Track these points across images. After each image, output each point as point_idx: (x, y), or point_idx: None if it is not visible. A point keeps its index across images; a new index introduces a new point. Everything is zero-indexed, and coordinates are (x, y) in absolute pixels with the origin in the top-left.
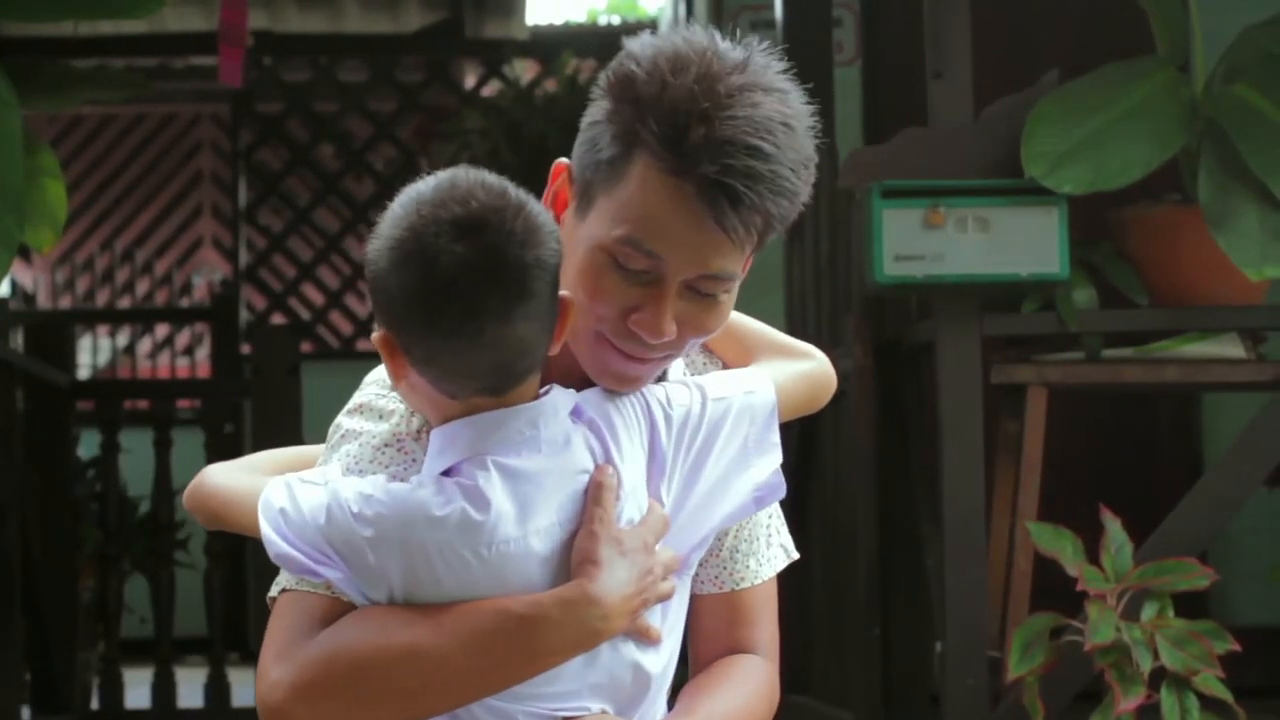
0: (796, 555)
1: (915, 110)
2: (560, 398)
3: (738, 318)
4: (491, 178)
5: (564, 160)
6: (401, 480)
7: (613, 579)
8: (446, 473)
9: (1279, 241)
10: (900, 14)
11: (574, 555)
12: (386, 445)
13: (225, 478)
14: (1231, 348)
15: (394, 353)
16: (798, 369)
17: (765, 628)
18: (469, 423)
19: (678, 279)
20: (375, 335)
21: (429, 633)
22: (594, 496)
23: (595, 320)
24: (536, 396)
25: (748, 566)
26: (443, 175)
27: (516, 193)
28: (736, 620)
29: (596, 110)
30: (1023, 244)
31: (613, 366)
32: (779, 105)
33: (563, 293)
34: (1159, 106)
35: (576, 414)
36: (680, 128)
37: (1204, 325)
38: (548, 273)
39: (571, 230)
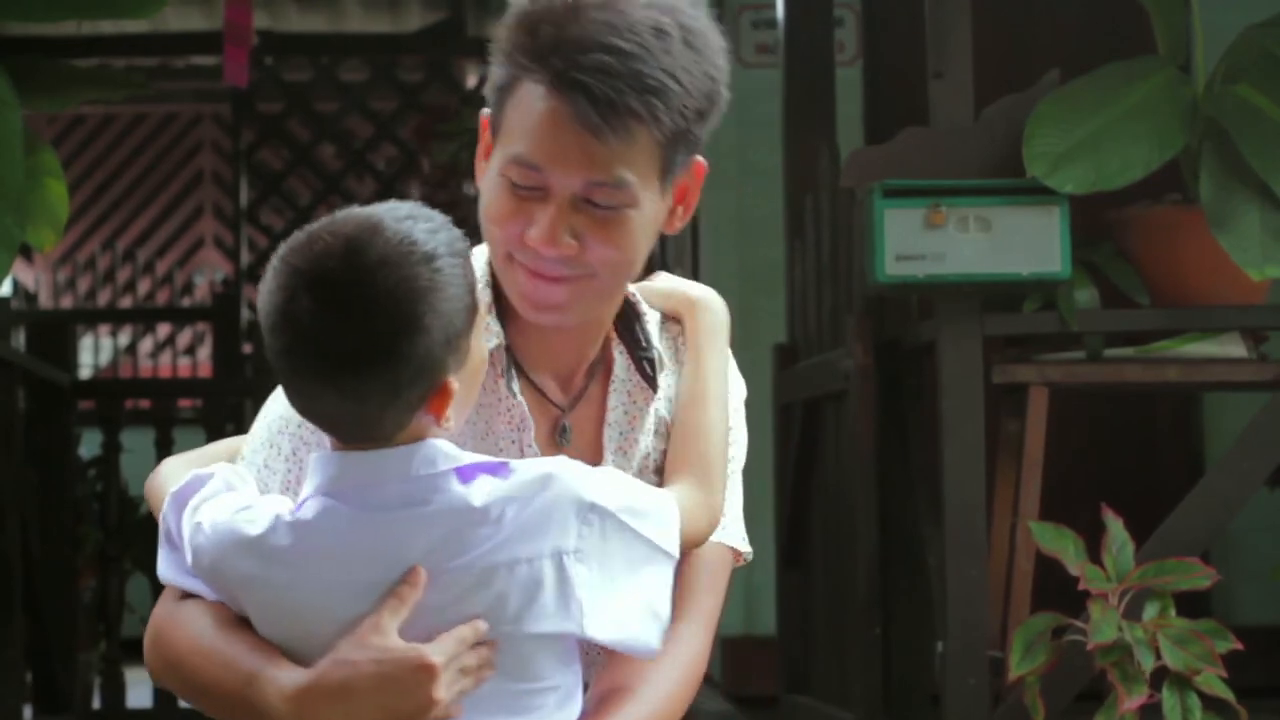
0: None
1: (916, 110)
2: (438, 451)
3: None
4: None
5: (485, 111)
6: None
7: (330, 681)
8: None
9: None
10: (901, 14)
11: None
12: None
13: (173, 470)
14: (1233, 347)
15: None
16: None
17: (700, 597)
18: (335, 457)
19: (565, 190)
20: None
21: (201, 658)
22: (396, 590)
23: (504, 245)
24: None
25: None
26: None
27: (420, 248)
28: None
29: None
30: (1024, 244)
31: (524, 288)
32: (655, 15)
33: (449, 378)
34: (1160, 106)
35: (462, 474)
36: (532, 32)
37: (1205, 325)
38: (415, 344)
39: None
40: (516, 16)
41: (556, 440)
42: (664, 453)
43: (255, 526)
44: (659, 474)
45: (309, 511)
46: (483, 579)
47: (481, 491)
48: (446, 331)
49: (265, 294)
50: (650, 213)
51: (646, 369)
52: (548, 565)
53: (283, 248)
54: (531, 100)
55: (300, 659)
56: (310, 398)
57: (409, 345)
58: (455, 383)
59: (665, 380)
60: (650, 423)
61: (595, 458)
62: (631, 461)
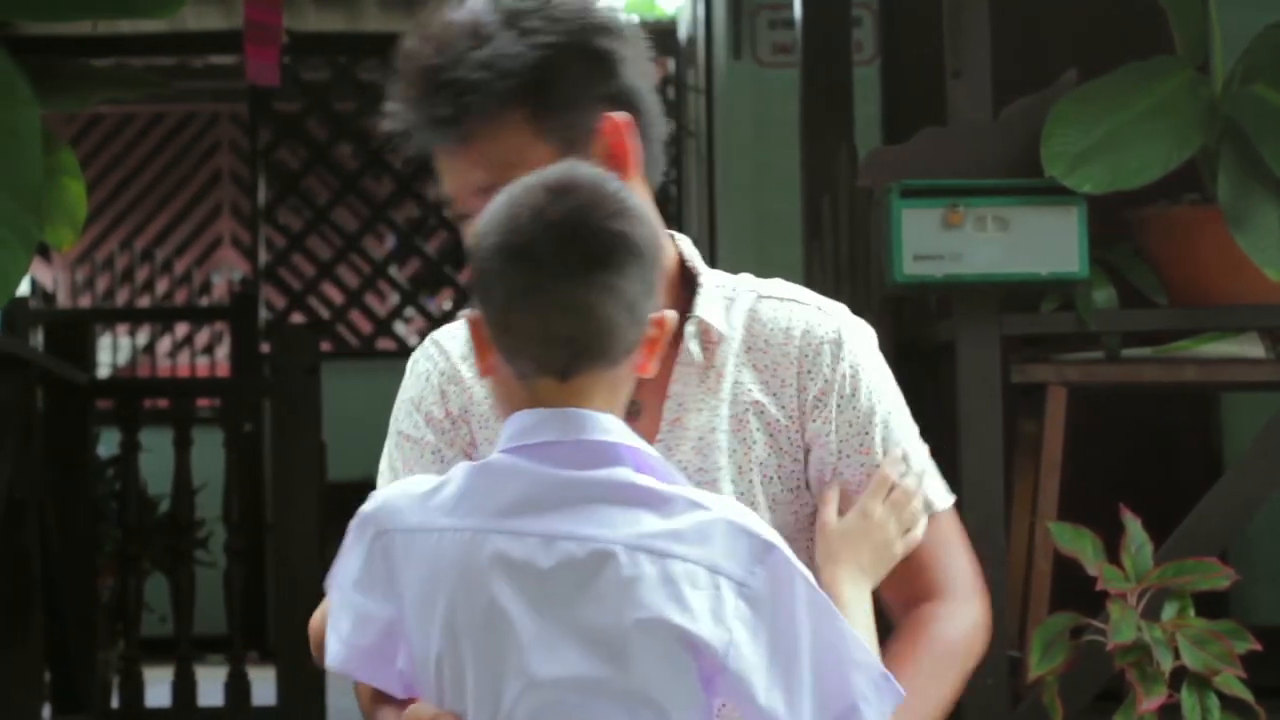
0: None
1: (934, 110)
2: (620, 425)
3: None
4: (601, 172)
5: None
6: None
7: None
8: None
9: None
10: (919, 13)
11: None
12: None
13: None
14: (1251, 347)
15: (480, 336)
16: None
17: (947, 563)
18: (529, 413)
19: (476, 204)
20: (468, 316)
21: None
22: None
23: None
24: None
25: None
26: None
27: (619, 183)
28: (911, 569)
29: None
30: (1042, 243)
31: None
32: (474, 16)
33: (666, 312)
34: (1178, 106)
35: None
36: (402, 100)
37: (1223, 325)
38: (633, 253)
39: None
40: (391, 91)
41: (627, 414)
42: (779, 466)
43: (426, 484)
44: (774, 483)
45: (484, 464)
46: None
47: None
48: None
49: (498, 226)
50: None
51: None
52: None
53: (508, 193)
54: (427, 151)
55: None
56: (547, 308)
57: (655, 246)
58: (667, 324)
59: (730, 360)
60: (735, 416)
61: (653, 429)
62: (688, 435)
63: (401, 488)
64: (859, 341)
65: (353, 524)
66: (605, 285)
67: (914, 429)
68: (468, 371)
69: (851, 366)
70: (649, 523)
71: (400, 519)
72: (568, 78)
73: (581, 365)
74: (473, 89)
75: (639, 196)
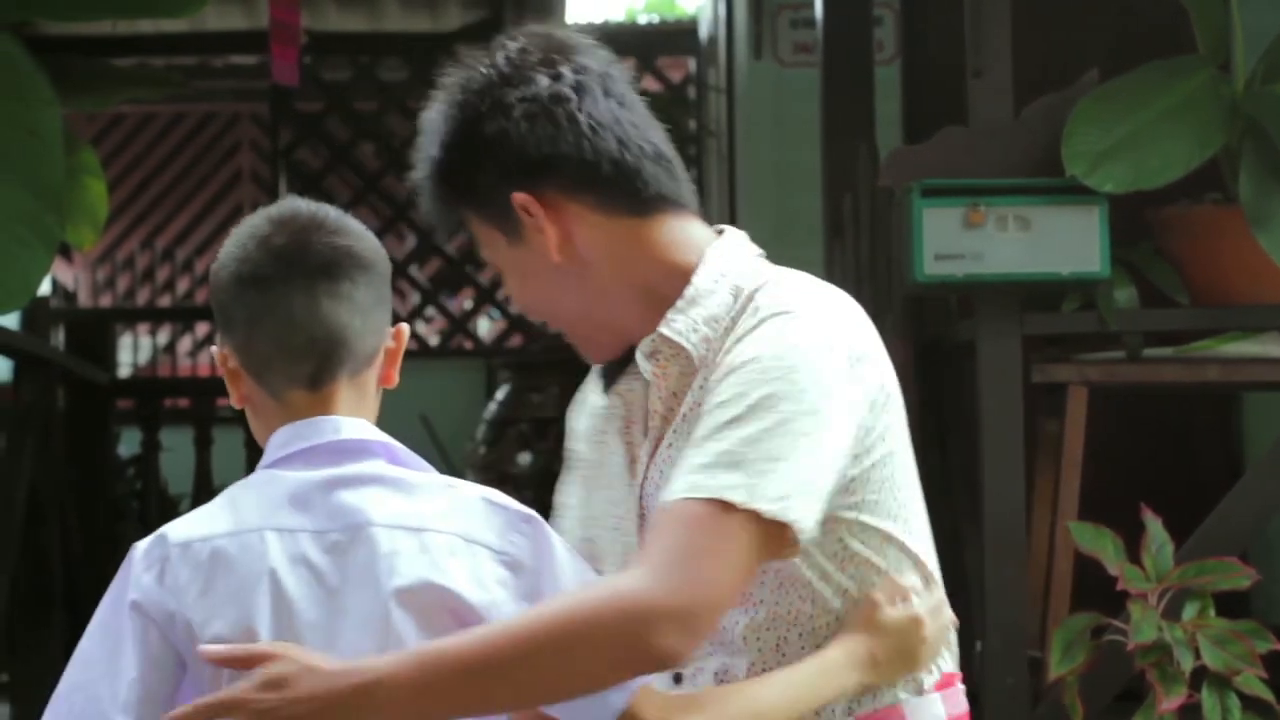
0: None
1: (955, 109)
2: (369, 426)
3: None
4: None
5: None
6: None
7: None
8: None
9: None
10: (940, 12)
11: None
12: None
13: None
14: (1272, 347)
15: (228, 368)
16: None
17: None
18: (284, 429)
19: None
20: (216, 355)
21: None
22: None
23: None
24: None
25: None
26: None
27: (338, 210)
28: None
29: None
30: (1063, 243)
31: None
32: (438, 112)
33: (402, 325)
34: (1199, 105)
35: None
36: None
37: (1245, 324)
38: (359, 265)
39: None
40: None
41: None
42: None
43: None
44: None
45: (244, 481)
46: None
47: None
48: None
49: (232, 259)
50: (513, 258)
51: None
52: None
53: (235, 232)
54: None
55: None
56: (286, 323)
57: (381, 260)
58: (403, 335)
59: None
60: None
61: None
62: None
63: (179, 521)
64: (779, 325)
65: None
66: (334, 294)
67: (796, 443)
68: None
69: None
70: (405, 504)
71: (178, 535)
72: (467, 177)
73: (326, 374)
74: (427, 192)
75: (622, 240)
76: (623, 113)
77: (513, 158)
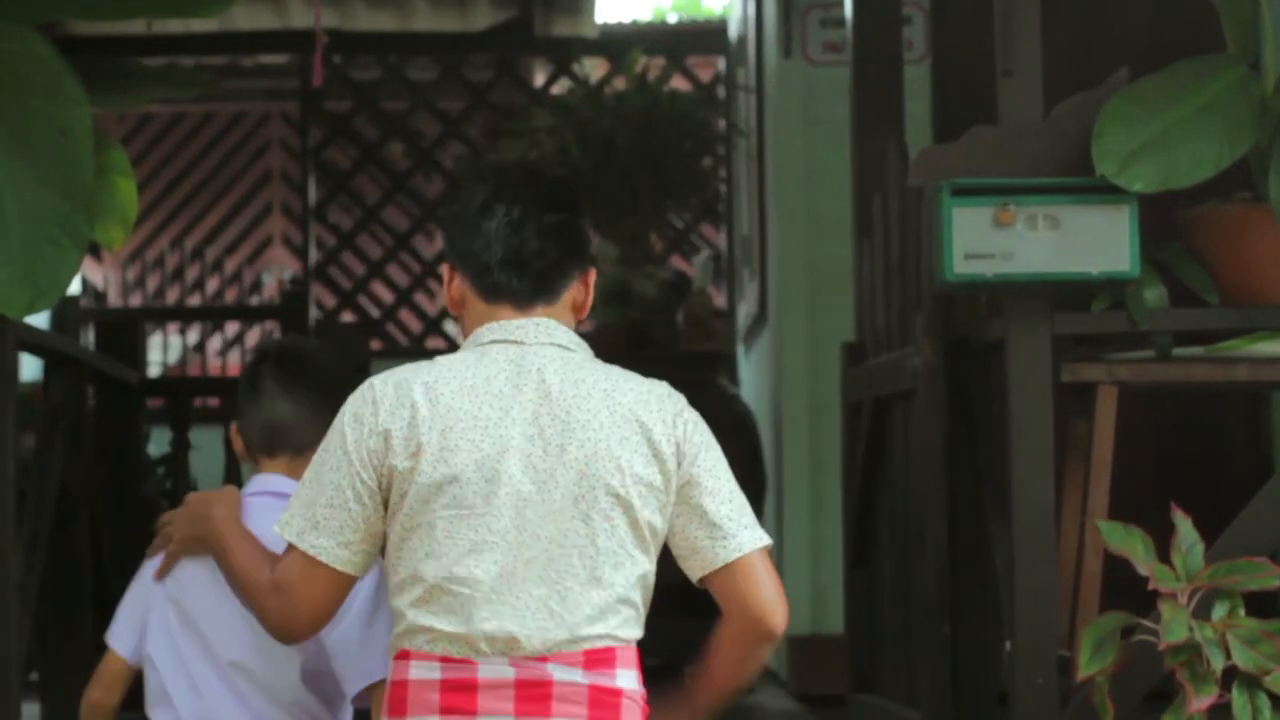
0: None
1: (985, 108)
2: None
3: None
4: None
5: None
6: None
7: None
8: None
9: None
10: (970, 12)
11: None
12: None
13: None
14: None
15: (236, 439)
16: None
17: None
18: (258, 477)
19: None
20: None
21: None
22: None
23: None
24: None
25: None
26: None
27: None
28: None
29: None
30: (1093, 242)
31: None
32: None
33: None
34: (1229, 104)
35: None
36: None
37: (1275, 324)
38: (315, 379)
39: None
40: None
41: None
42: None
43: None
44: None
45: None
46: None
47: None
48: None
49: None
50: None
51: None
52: None
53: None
54: None
55: None
56: (264, 417)
57: (333, 373)
58: None
59: None
60: None
61: None
62: None
63: None
64: None
65: None
66: (298, 401)
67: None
68: None
69: None
70: None
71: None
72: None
73: (279, 449)
74: None
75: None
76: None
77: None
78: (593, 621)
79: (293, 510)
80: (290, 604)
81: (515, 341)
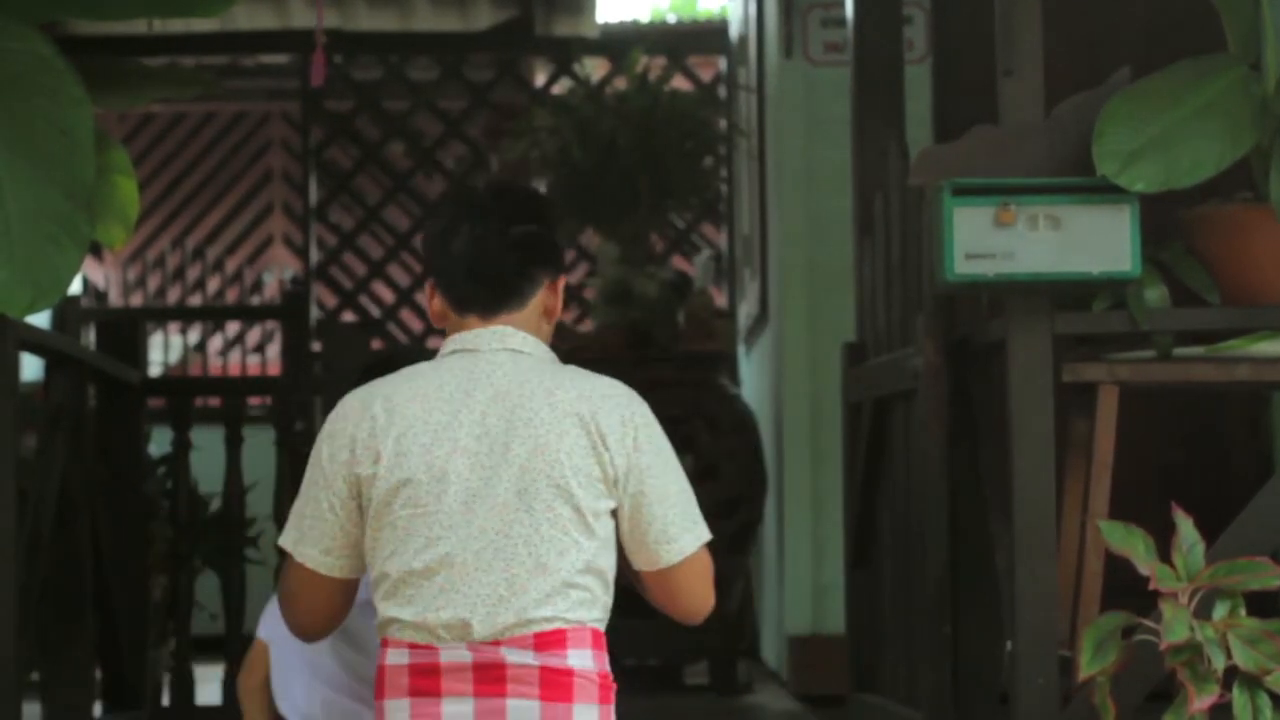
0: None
1: (986, 108)
2: None
3: None
4: None
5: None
6: None
7: None
8: None
9: None
10: (971, 11)
11: None
12: None
13: None
14: None
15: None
16: None
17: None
18: None
19: None
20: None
21: None
22: None
23: None
24: None
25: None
26: None
27: None
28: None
29: None
30: (1094, 242)
31: None
32: None
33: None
34: (1230, 104)
35: None
36: None
37: (1275, 324)
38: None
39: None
40: None
41: None
42: None
43: None
44: None
45: None
46: None
47: None
48: None
49: None
50: None
51: None
52: None
53: None
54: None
55: None
56: None
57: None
58: None
59: None
60: None
61: None
62: None
63: None
64: None
65: None
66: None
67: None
68: None
69: None
70: None
71: None
72: None
73: None
74: None
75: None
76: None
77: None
78: (540, 605)
79: (290, 521)
80: (298, 610)
81: (471, 350)
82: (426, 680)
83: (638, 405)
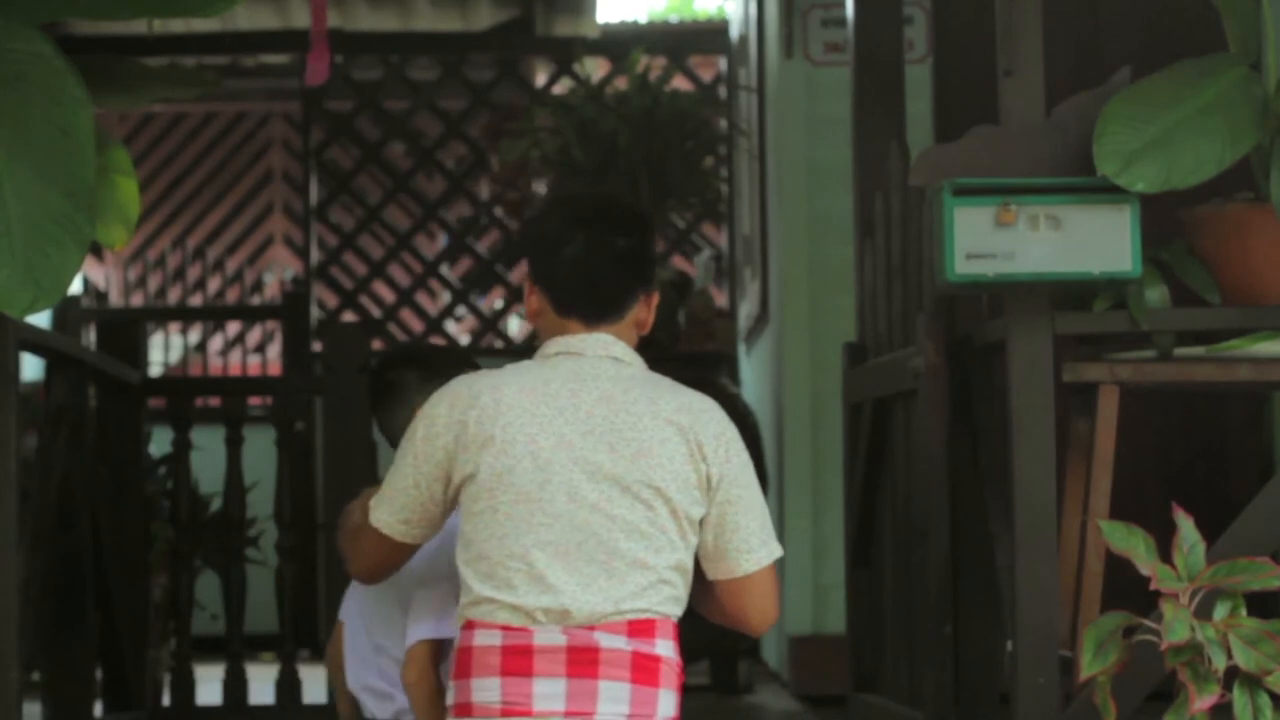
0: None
1: (986, 108)
2: None
3: None
4: None
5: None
6: None
7: None
8: None
9: None
10: (971, 11)
11: None
12: None
13: None
14: None
15: None
16: None
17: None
18: None
19: None
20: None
21: None
22: None
23: None
24: None
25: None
26: None
27: None
28: None
29: None
30: (1094, 242)
31: None
32: None
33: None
34: (1231, 104)
35: None
36: None
37: (1276, 324)
38: None
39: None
40: None
41: None
42: None
43: None
44: None
45: None
46: None
47: None
48: None
49: None
50: None
51: None
52: None
53: None
54: None
55: None
56: None
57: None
58: None
59: None
60: None
61: None
62: None
63: None
64: None
65: None
66: None
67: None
68: None
69: None
70: None
71: None
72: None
73: None
74: None
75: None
76: None
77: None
78: (635, 597)
79: (383, 489)
80: (365, 562)
81: (576, 354)
82: (520, 661)
83: (729, 422)
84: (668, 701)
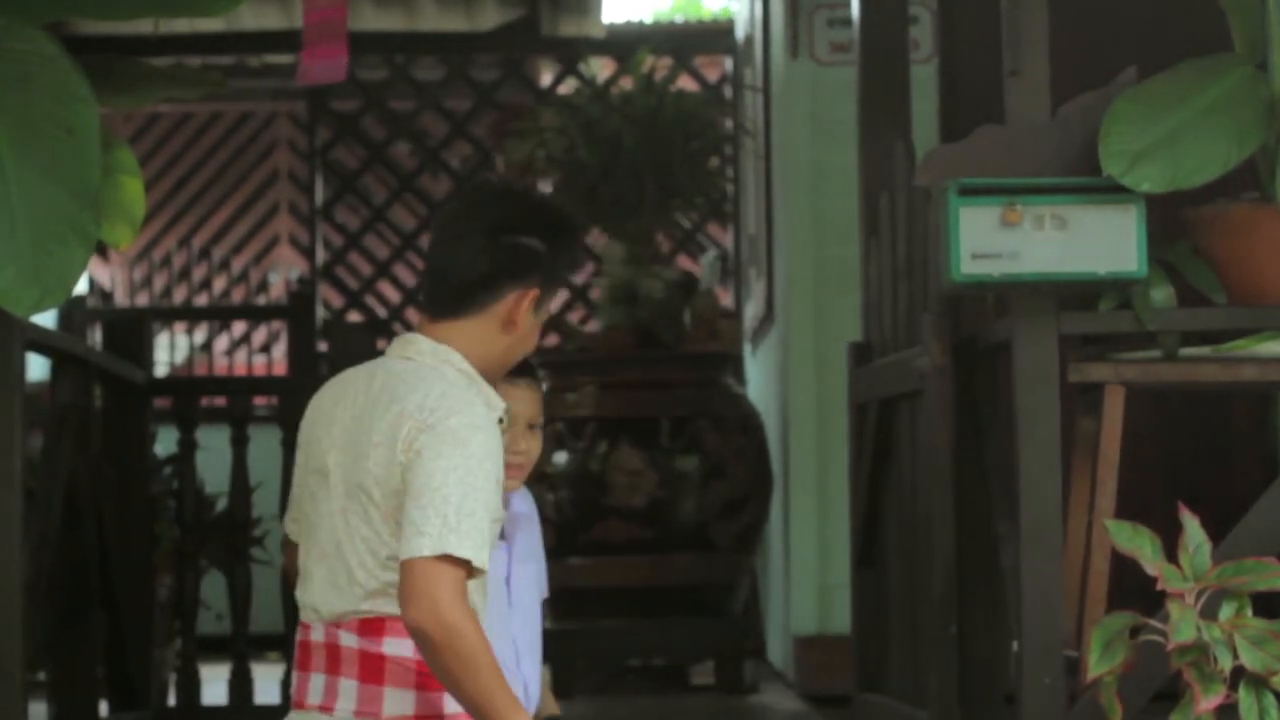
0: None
1: (992, 108)
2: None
3: None
4: None
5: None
6: None
7: None
8: None
9: None
10: (977, 11)
11: None
12: None
13: None
14: None
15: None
16: None
17: None
18: None
19: None
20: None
21: None
22: None
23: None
24: None
25: None
26: None
27: None
28: None
29: None
30: (1100, 242)
31: None
32: None
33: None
34: (1237, 104)
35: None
36: None
37: None
38: None
39: None
40: None
41: None
42: None
43: None
44: None
45: None
46: None
47: None
48: None
49: None
50: None
51: None
52: None
53: None
54: None
55: None
56: None
57: None
58: None
59: None
60: None
61: None
62: None
63: None
64: None
65: None
66: None
67: None
68: None
69: None
70: None
71: None
72: None
73: None
74: None
75: None
76: None
77: None
78: (365, 599)
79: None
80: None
81: (381, 353)
82: (303, 654)
83: (448, 418)
84: (402, 698)
